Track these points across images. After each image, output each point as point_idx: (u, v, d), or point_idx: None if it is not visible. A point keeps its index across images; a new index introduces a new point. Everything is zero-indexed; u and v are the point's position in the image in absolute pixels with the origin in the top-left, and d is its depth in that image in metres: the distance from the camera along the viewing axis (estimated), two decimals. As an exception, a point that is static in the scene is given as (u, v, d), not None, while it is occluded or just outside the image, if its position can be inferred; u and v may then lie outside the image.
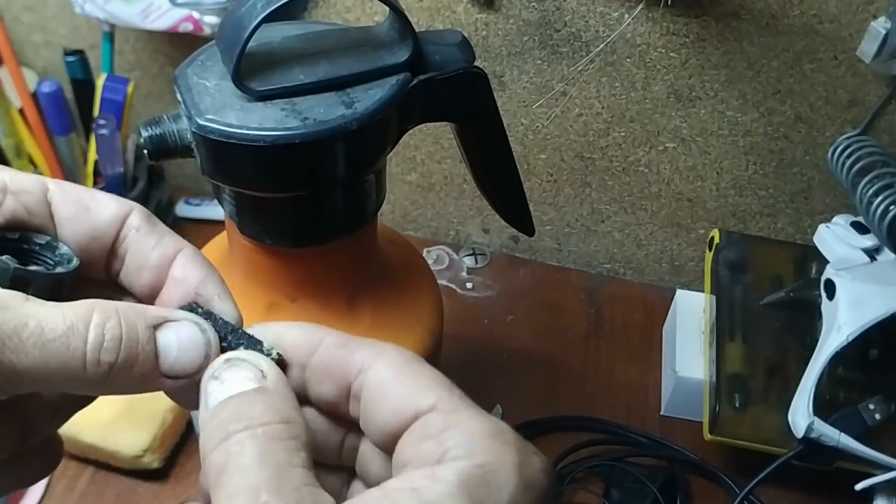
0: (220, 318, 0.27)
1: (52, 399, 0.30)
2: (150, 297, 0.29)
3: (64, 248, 0.27)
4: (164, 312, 0.26)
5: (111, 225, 0.28)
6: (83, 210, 0.28)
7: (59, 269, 0.27)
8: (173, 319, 0.26)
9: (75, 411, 0.31)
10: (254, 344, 0.27)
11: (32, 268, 0.26)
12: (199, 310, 0.27)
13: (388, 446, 0.25)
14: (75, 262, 0.27)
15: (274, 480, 0.22)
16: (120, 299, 0.27)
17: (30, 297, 0.24)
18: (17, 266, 0.25)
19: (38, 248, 0.27)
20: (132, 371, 0.25)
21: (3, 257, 0.25)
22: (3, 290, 0.24)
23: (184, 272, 0.28)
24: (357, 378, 0.26)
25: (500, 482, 0.23)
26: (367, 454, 0.27)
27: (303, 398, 0.27)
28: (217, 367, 0.25)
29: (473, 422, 0.24)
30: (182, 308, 0.27)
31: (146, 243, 0.28)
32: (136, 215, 0.28)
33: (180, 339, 0.26)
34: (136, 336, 0.25)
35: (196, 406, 0.27)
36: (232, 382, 0.25)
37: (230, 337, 0.27)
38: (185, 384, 0.26)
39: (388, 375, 0.26)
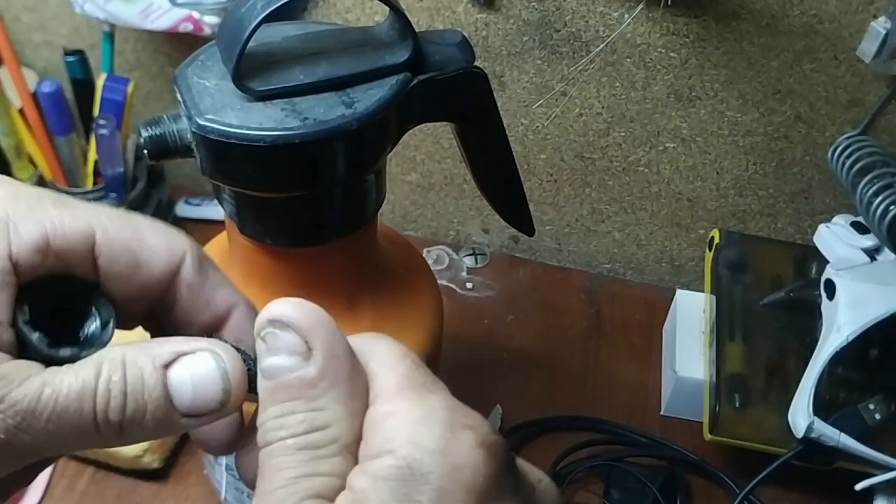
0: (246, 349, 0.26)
1: None
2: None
3: (103, 301, 0.26)
4: (176, 346, 0.25)
5: (162, 282, 0.26)
6: (133, 267, 0.26)
7: (91, 350, 0.25)
8: (187, 352, 0.25)
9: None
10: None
11: (63, 352, 0.24)
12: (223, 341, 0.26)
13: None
14: (109, 333, 0.25)
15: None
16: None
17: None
18: (48, 352, 0.24)
19: (75, 297, 0.25)
20: (144, 421, 0.24)
21: (35, 336, 0.24)
22: (19, 361, 0.23)
23: (239, 335, 0.27)
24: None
25: (424, 471, 0.23)
26: None
27: None
28: (262, 326, 0.25)
29: (405, 410, 0.24)
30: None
31: (198, 302, 0.27)
32: (189, 268, 0.27)
33: (194, 375, 0.24)
34: (142, 385, 0.24)
35: (225, 450, 0.28)
36: (277, 353, 0.24)
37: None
38: (213, 419, 0.25)
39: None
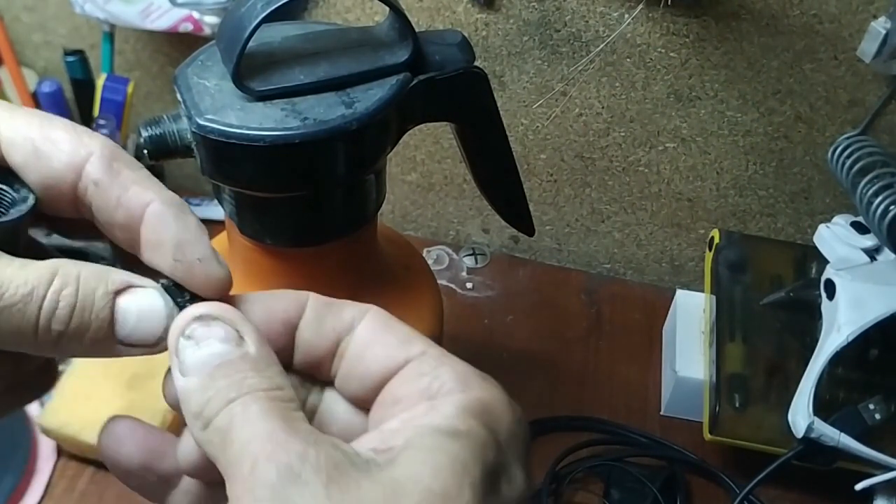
0: (193, 294, 0.26)
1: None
2: (133, 249, 0.27)
3: (21, 186, 0.25)
4: (129, 277, 0.25)
5: (65, 175, 0.25)
6: (32, 157, 0.25)
7: (12, 213, 0.25)
8: (138, 285, 0.25)
9: (27, 394, 0.30)
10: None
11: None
12: (170, 284, 0.26)
13: (366, 398, 0.26)
14: (31, 201, 0.25)
15: (285, 425, 0.23)
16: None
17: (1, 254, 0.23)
18: None
19: None
20: (84, 339, 0.24)
21: None
22: None
23: (157, 236, 0.26)
24: (348, 334, 0.26)
25: (498, 413, 0.24)
26: (329, 414, 0.28)
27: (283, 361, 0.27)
28: (187, 324, 0.25)
29: (462, 365, 0.25)
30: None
31: (108, 200, 0.26)
32: (95, 164, 0.25)
33: (140, 307, 0.25)
34: (91, 305, 0.24)
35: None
36: (207, 343, 0.24)
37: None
38: (143, 353, 0.25)
39: (378, 326, 0.27)
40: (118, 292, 0.25)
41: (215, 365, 0.24)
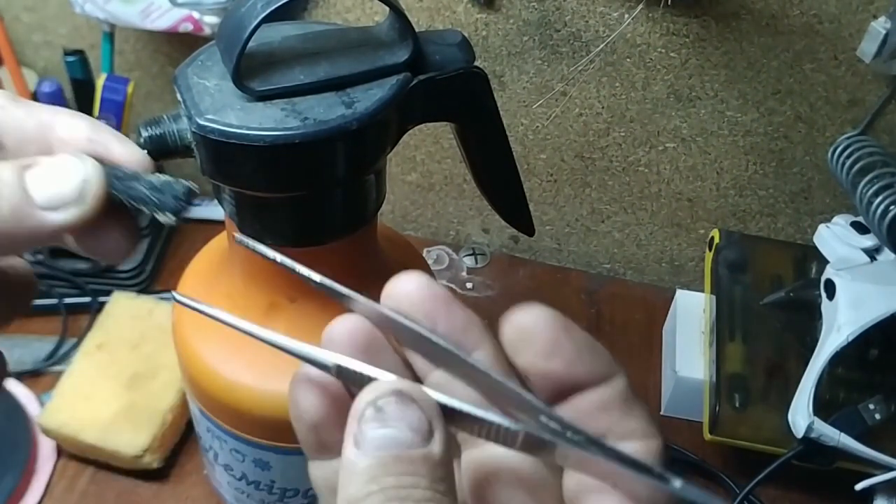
0: (118, 167, 0.26)
1: None
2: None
3: None
4: (37, 157, 0.25)
5: None
6: None
7: None
8: (48, 160, 0.25)
9: (7, 309, 0.29)
10: (168, 185, 0.26)
11: None
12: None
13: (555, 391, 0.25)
14: None
15: None
16: None
17: None
18: None
19: None
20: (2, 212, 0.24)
21: None
22: None
23: (70, 130, 0.26)
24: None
25: None
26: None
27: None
28: (382, 394, 0.23)
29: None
30: None
31: (17, 116, 0.26)
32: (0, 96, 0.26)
33: (52, 165, 0.25)
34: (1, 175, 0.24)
35: (108, 255, 0.27)
36: (397, 428, 0.23)
37: (133, 181, 0.26)
38: (77, 218, 0.25)
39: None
40: (25, 167, 0.25)
41: (393, 455, 0.22)
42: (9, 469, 0.60)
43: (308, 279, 0.28)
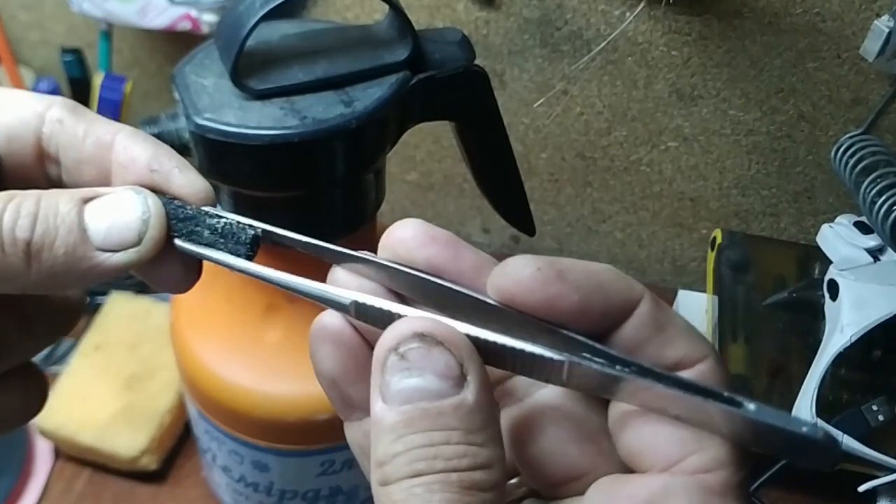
0: (179, 202, 0.24)
1: (17, 308, 0.27)
2: (103, 182, 0.25)
3: None
4: (91, 189, 0.23)
5: (28, 121, 0.24)
6: None
7: None
8: (107, 192, 0.23)
9: (51, 332, 0.28)
10: (231, 230, 0.24)
11: None
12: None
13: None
14: None
15: None
16: None
17: None
18: None
19: None
20: (55, 247, 0.22)
21: None
22: None
23: (129, 153, 0.24)
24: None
25: None
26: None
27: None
28: (403, 338, 0.21)
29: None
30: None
31: (75, 134, 0.25)
32: (58, 107, 0.25)
33: (112, 202, 0.23)
34: (56, 209, 0.22)
35: (170, 288, 0.25)
36: (423, 373, 0.21)
37: (194, 222, 0.24)
38: (133, 259, 0.23)
39: None
40: (85, 200, 0.23)
41: (420, 408, 0.20)
42: (5, 471, 0.60)
43: (284, 243, 0.26)
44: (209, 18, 0.67)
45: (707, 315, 0.67)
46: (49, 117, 0.25)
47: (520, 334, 0.22)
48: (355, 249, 0.25)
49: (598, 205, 0.77)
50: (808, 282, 0.65)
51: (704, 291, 0.69)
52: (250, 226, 0.25)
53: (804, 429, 0.21)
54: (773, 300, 0.65)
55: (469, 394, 0.21)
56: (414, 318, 0.22)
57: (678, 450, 0.22)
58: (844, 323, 0.56)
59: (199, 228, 0.24)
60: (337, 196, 0.40)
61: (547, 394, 0.24)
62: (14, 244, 0.22)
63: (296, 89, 0.37)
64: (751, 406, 0.21)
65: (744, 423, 0.21)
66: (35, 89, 0.69)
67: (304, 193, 0.39)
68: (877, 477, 0.56)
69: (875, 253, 0.60)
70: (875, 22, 0.60)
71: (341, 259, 0.25)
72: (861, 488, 0.56)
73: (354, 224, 0.42)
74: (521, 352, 0.21)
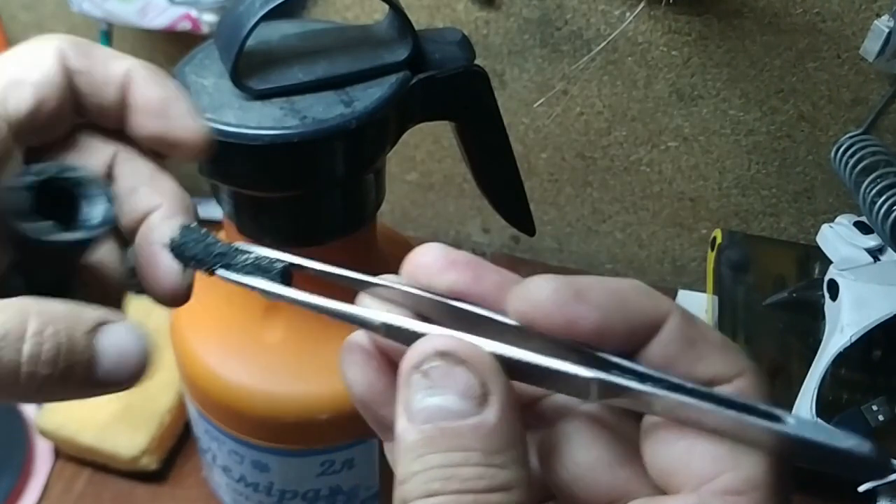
0: (212, 237, 0.25)
1: None
2: (120, 121, 0.27)
3: (91, 184, 0.24)
4: (100, 314, 0.23)
5: (52, 79, 0.25)
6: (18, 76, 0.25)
7: (82, 231, 0.24)
8: (110, 321, 0.23)
9: None
10: (260, 265, 0.25)
11: (68, 236, 0.23)
12: (191, 228, 0.25)
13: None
14: (112, 212, 0.24)
15: None
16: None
17: None
18: (55, 237, 0.23)
19: (72, 183, 0.24)
20: (67, 382, 0.22)
21: (45, 224, 0.23)
22: None
23: (143, 97, 0.26)
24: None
25: None
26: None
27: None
28: (427, 357, 0.21)
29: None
30: (177, 233, 0.25)
31: (94, 84, 0.26)
32: (72, 55, 0.26)
33: (119, 345, 0.23)
34: (77, 346, 0.22)
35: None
36: (444, 392, 0.21)
37: (227, 258, 0.25)
38: (110, 391, 0.24)
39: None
40: (100, 324, 0.23)
41: (441, 427, 0.20)
42: (5, 471, 0.60)
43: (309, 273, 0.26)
44: (209, 18, 0.67)
45: (707, 315, 0.67)
46: (69, 69, 0.25)
47: (547, 352, 0.22)
48: (379, 276, 0.25)
49: (598, 205, 0.77)
50: (808, 282, 0.65)
51: (704, 291, 0.69)
52: (278, 260, 0.25)
53: (850, 444, 0.20)
54: (773, 300, 0.65)
55: (490, 414, 0.20)
56: (437, 336, 0.22)
57: (711, 467, 0.21)
58: (844, 323, 0.56)
59: (232, 263, 0.25)
60: (337, 196, 0.40)
61: (582, 414, 0.24)
62: (33, 378, 0.22)
63: (296, 89, 0.37)
64: (790, 420, 0.20)
65: (784, 438, 0.21)
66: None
67: (304, 193, 0.39)
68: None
69: (875, 253, 0.60)
70: (875, 22, 0.60)
71: (365, 286, 0.25)
72: (861, 488, 0.56)
73: (354, 224, 0.42)
74: (548, 370, 0.21)
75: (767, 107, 0.67)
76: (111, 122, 0.27)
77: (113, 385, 0.23)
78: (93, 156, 0.27)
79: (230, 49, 0.36)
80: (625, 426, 0.24)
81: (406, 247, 0.51)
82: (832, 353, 0.56)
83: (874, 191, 0.58)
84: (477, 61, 0.42)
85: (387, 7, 0.39)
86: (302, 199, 0.39)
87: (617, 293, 0.22)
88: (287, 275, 0.25)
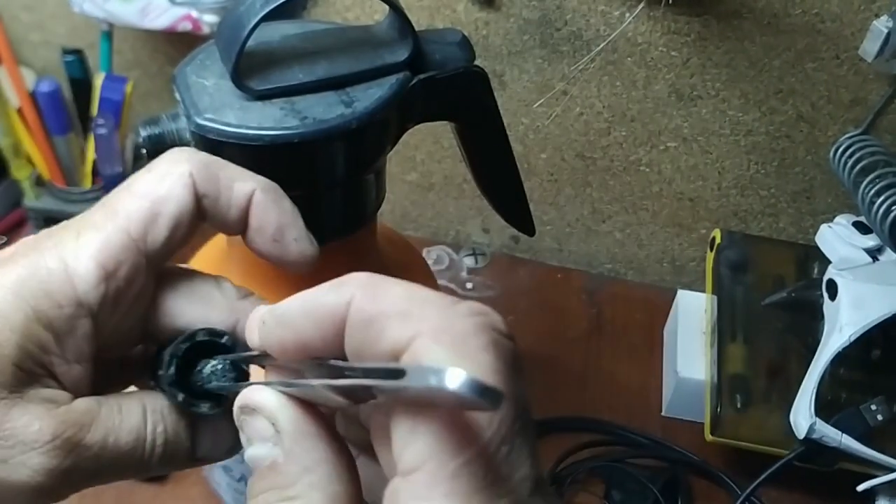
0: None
1: None
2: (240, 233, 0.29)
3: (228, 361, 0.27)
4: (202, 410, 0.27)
5: (186, 209, 0.27)
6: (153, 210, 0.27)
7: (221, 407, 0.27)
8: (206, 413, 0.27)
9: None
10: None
11: (203, 408, 0.27)
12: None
13: None
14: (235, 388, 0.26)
15: None
16: None
17: (103, 400, 0.26)
18: (189, 408, 0.27)
19: (216, 346, 0.27)
20: (171, 465, 0.27)
21: (180, 397, 0.27)
22: (80, 401, 0.26)
23: (259, 222, 0.28)
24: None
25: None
26: None
27: None
28: (238, 416, 0.24)
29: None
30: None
31: (220, 208, 0.28)
32: (199, 179, 0.27)
33: (212, 433, 0.28)
34: (179, 439, 0.27)
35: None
36: (253, 441, 0.24)
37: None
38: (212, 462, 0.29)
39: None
40: (194, 421, 0.27)
41: (258, 471, 0.23)
42: (7, 470, 0.60)
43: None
44: (210, 19, 0.67)
45: (706, 315, 0.67)
46: (198, 192, 0.27)
47: (319, 374, 0.23)
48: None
49: (598, 205, 0.77)
50: (807, 282, 0.65)
51: (704, 291, 0.69)
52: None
53: (441, 379, 0.17)
54: (772, 300, 0.65)
55: (279, 451, 0.23)
56: (242, 392, 0.24)
57: (398, 449, 0.21)
58: (843, 323, 0.56)
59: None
60: (337, 196, 0.40)
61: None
62: (148, 467, 0.27)
63: (296, 90, 0.37)
64: (410, 372, 0.19)
65: (406, 393, 0.19)
66: (36, 90, 0.69)
67: (304, 193, 0.39)
68: (875, 476, 0.56)
69: (874, 253, 0.60)
70: (874, 22, 0.60)
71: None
72: (860, 488, 0.56)
73: (354, 224, 0.42)
74: (312, 387, 0.23)
75: (766, 107, 0.67)
76: (227, 232, 0.29)
77: (211, 461, 0.28)
78: None
79: (231, 49, 0.36)
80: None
81: (406, 247, 0.51)
82: (831, 352, 0.56)
83: (873, 191, 0.58)
84: (477, 62, 0.42)
85: (387, 8, 0.39)
86: (302, 200, 0.39)
87: (308, 302, 0.23)
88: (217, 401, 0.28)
